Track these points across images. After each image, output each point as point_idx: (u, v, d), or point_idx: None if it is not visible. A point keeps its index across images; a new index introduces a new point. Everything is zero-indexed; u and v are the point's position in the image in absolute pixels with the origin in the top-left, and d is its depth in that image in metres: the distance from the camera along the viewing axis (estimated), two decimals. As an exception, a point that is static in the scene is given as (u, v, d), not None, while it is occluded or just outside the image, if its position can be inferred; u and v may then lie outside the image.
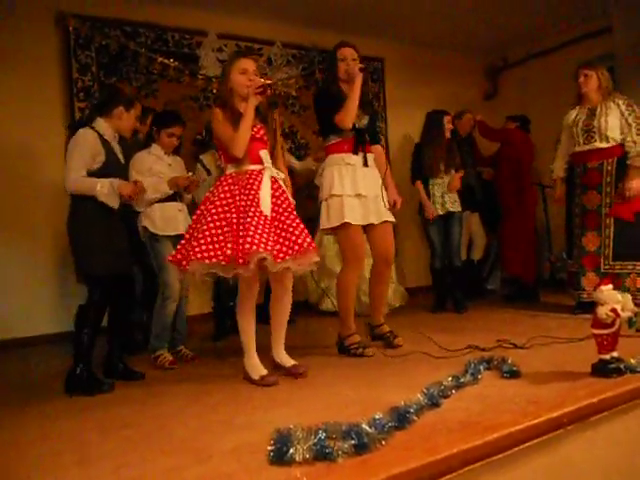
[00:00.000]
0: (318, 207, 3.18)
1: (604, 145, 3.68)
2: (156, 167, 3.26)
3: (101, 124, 2.82)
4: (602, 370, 2.13)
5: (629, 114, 3.63)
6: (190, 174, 3.35)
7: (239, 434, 1.81)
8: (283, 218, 2.55)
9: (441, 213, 4.37)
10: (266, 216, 2.47)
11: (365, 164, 3.09)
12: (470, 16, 5.41)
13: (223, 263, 2.40)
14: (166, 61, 4.79)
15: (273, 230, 2.48)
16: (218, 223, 2.46)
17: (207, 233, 2.43)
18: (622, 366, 2.12)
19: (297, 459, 1.50)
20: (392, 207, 3.19)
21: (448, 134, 4.42)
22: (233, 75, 2.63)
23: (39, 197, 4.27)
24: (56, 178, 4.17)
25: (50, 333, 4.16)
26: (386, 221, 3.12)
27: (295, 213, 2.62)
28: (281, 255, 2.45)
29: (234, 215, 2.47)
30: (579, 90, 3.81)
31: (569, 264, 3.96)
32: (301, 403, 2.16)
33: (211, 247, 2.41)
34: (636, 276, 3.60)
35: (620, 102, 3.66)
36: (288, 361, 2.67)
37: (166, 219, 3.24)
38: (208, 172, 3.99)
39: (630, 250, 3.63)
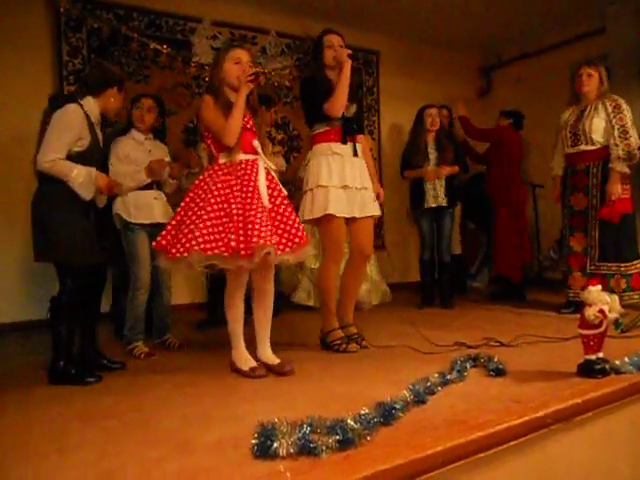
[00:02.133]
0: (297, 198, 3.14)
1: (589, 148, 3.72)
2: (134, 154, 3.16)
3: (90, 103, 2.65)
4: (588, 370, 2.14)
5: (614, 116, 3.64)
6: (167, 159, 3.25)
7: (223, 427, 1.79)
8: (281, 210, 2.53)
9: (433, 205, 4.39)
10: (265, 207, 2.46)
11: (355, 154, 3.03)
12: (465, 13, 5.40)
13: (225, 255, 2.37)
14: (159, 47, 4.72)
15: (272, 222, 2.47)
16: (217, 214, 2.41)
17: (208, 223, 2.38)
18: (607, 367, 2.14)
19: (281, 453, 1.48)
20: (376, 199, 3.13)
21: (432, 126, 4.42)
22: (227, 64, 2.58)
23: (21, 180, 4.18)
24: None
25: (24, 320, 4.09)
26: (369, 215, 3.07)
27: (290, 204, 2.61)
28: (281, 247, 2.45)
29: (233, 207, 2.42)
30: (578, 88, 3.78)
31: (562, 263, 3.99)
32: (286, 397, 2.14)
33: (212, 238, 2.36)
34: (620, 277, 3.65)
35: (608, 104, 3.66)
36: (273, 359, 2.58)
37: (140, 207, 3.15)
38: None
39: (615, 251, 3.67)
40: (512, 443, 1.64)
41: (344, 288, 3.14)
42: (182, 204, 2.52)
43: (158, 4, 4.74)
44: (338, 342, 2.97)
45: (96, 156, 2.68)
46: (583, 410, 1.85)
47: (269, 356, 2.60)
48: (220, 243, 2.36)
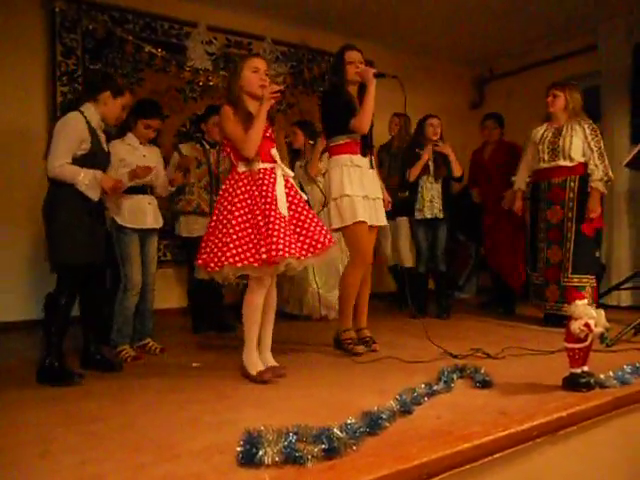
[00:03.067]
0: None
1: (567, 164, 3.81)
2: (129, 158, 3.16)
3: (89, 110, 2.76)
4: (573, 384, 2.16)
5: (592, 139, 3.77)
6: (153, 165, 3.21)
7: (208, 433, 1.79)
8: (303, 217, 2.64)
9: (428, 217, 4.42)
10: (285, 217, 2.54)
11: (372, 166, 3.18)
12: (459, 26, 5.47)
13: (255, 265, 2.46)
14: (153, 50, 4.72)
15: (292, 229, 2.56)
16: (243, 225, 2.51)
17: (234, 237, 2.48)
18: (592, 381, 2.15)
19: (266, 461, 1.48)
20: (385, 208, 3.30)
21: (434, 136, 4.42)
22: (245, 72, 2.64)
23: (16, 181, 4.17)
24: (33, 163, 4.08)
25: (21, 320, 4.06)
26: (378, 225, 3.22)
27: (310, 209, 2.72)
28: (303, 253, 2.56)
29: (259, 218, 2.51)
30: (547, 109, 3.94)
31: (534, 276, 4.03)
32: (273, 404, 2.14)
33: (240, 250, 2.46)
34: (590, 290, 3.74)
35: (585, 126, 3.80)
36: (271, 362, 2.65)
37: (134, 211, 3.16)
38: None
39: (588, 264, 3.78)
40: (498, 455, 1.64)
41: (357, 295, 3.23)
42: (213, 217, 2.63)
43: (154, 7, 4.75)
44: (349, 341, 3.09)
45: (101, 159, 2.79)
46: (568, 423, 1.86)
47: (268, 358, 2.68)
48: (249, 254, 2.47)
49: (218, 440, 1.70)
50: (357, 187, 3.08)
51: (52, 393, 2.40)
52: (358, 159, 3.12)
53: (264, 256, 2.44)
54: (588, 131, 3.77)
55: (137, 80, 4.69)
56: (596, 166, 3.73)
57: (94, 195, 2.71)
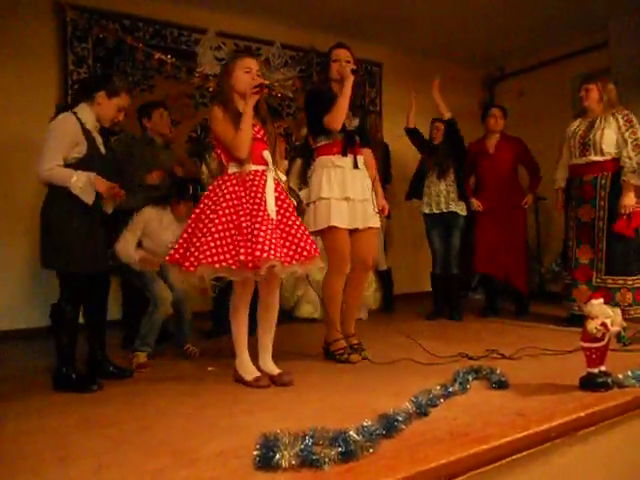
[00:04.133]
0: (301, 210, 3.16)
1: (599, 158, 3.70)
2: (162, 236, 3.21)
3: (84, 110, 2.66)
4: (590, 384, 2.13)
5: (626, 129, 3.64)
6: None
7: (225, 437, 1.79)
8: (290, 222, 2.54)
9: (436, 212, 4.44)
10: (272, 219, 2.46)
11: (355, 166, 3.05)
12: (468, 26, 5.44)
13: (233, 267, 2.38)
14: (163, 57, 4.76)
15: (279, 234, 2.48)
16: (225, 226, 2.43)
17: (216, 236, 2.40)
18: (610, 380, 2.13)
19: (283, 465, 1.48)
20: (380, 212, 3.17)
21: (435, 140, 4.54)
22: (237, 72, 2.59)
23: (25, 189, 4.21)
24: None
25: (29, 327, 4.09)
26: (371, 227, 3.10)
27: (297, 215, 2.62)
28: (288, 259, 2.46)
29: (242, 219, 2.44)
30: (581, 104, 3.87)
31: (564, 275, 3.97)
32: (288, 407, 2.14)
33: (220, 251, 2.38)
34: (627, 291, 3.62)
35: (619, 117, 3.68)
36: (274, 370, 2.59)
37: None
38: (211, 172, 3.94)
39: (622, 265, 3.65)
40: (515, 457, 1.63)
41: (346, 299, 3.13)
42: (193, 215, 2.55)
43: (163, 14, 4.78)
44: (341, 351, 2.99)
45: (96, 161, 2.67)
46: (587, 424, 1.84)
47: (270, 366, 2.61)
48: (228, 256, 2.38)
49: (234, 444, 1.70)
50: (337, 189, 2.97)
51: (68, 398, 2.41)
52: (339, 159, 3.02)
53: (241, 257, 2.35)
54: (622, 122, 3.66)
55: (148, 87, 4.73)
56: (629, 158, 3.58)
57: (88, 199, 2.59)
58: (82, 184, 2.55)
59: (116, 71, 4.55)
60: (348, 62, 3.03)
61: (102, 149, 2.75)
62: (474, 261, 4.56)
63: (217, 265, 2.36)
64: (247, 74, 2.58)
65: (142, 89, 4.69)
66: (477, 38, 5.74)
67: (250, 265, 2.36)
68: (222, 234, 2.41)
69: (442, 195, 4.43)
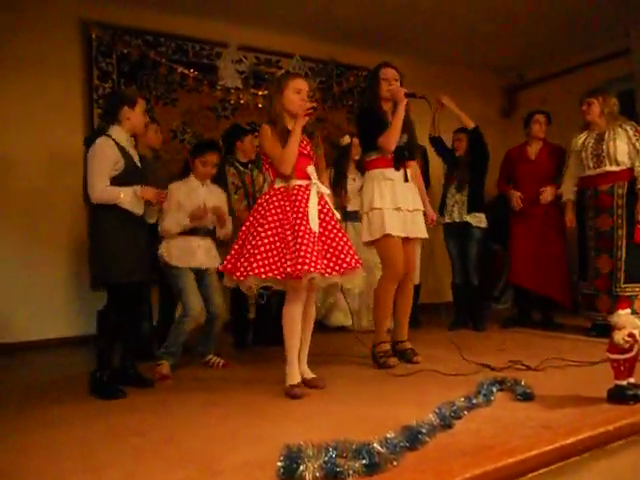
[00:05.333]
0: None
1: (614, 169, 3.72)
2: (186, 201, 3.24)
3: (116, 131, 2.83)
4: (619, 396, 2.09)
5: (636, 140, 3.68)
6: (222, 205, 3.35)
7: (248, 448, 1.79)
8: (332, 235, 2.65)
9: (449, 221, 4.46)
10: (314, 233, 2.56)
11: (406, 179, 3.17)
12: (488, 34, 5.43)
13: (279, 278, 2.51)
14: (185, 71, 4.84)
15: (320, 246, 2.59)
16: (272, 239, 2.56)
17: (262, 249, 2.54)
18: (639, 393, 2.08)
19: (307, 477, 1.47)
20: (428, 222, 3.32)
21: (457, 151, 4.55)
22: (288, 93, 2.69)
23: (55, 203, 4.32)
24: (74, 185, 4.24)
25: (62, 337, 4.19)
26: (418, 237, 3.22)
27: (341, 228, 2.72)
28: (329, 271, 2.57)
29: (288, 232, 2.56)
30: (584, 117, 3.90)
31: (583, 286, 3.92)
32: (311, 418, 2.14)
33: (267, 262, 2.52)
34: None
35: (628, 128, 3.74)
36: (308, 373, 2.70)
37: (183, 252, 3.22)
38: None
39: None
40: (542, 470, 1.60)
41: (398, 308, 3.28)
42: (243, 228, 2.69)
43: (185, 30, 4.87)
44: (382, 354, 3.09)
45: (135, 175, 2.84)
46: (615, 438, 1.80)
47: (305, 370, 2.71)
48: (274, 267, 2.52)
49: (258, 455, 1.70)
50: (389, 200, 3.10)
51: (94, 408, 2.45)
52: (390, 172, 3.15)
53: (289, 269, 2.47)
54: (631, 132, 3.71)
55: (171, 100, 4.81)
56: None
57: (138, 209, 2.81)
58: (130, 198, 2.76)
59: (140, 86, 4.64)
60: (396, 80, 3.18)
61: (138, 163, 2.91)
62: (510, 272, 4.49)
63: (263, 276, 2.51)
64: (297, 95, 2.68)
65: (165, 103, 4.77)
66: (497, 46, 5.73)
67: (294, 276, 2.47)
68: (267, 247, 2.54)
69: (457, 205, 4.43)
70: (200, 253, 3.27)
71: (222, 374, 3.10)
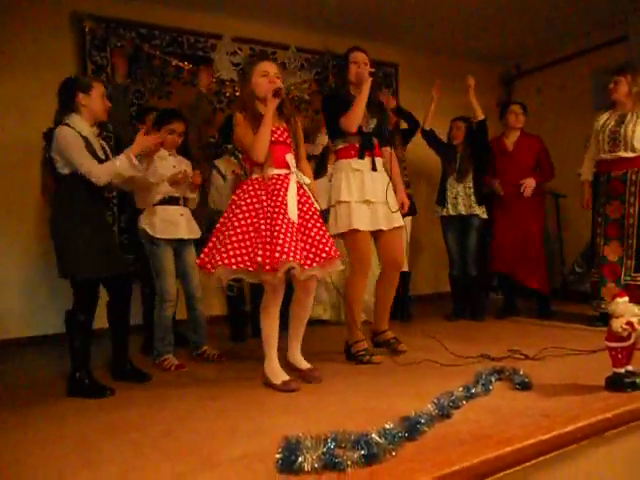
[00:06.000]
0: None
1: (629, 155, 3.63)
2: (160, 170, 3.21)
3: (74, 120, 2.67)
4: (617, 384, 2.09)
5: None
6: (186, 170, 3.28)
7: (247, 440, 1.79)
8: (310, 225, 2.55)
9: (453, 214, 4.42)
10: (293, 223, 2.48)
11: (373, 168, 3.06)
12: (484, 24, 5.39)
13: (250, 269, 2.41)
14: (180, 64, 4.80)
15: (299, 237, 2.49)
16: (245, 229, 2.46)
17: (234, 239, 2.43)
18: (637, 380, 2.09)
19: (306, 468, 1.48)
20: (400, 209, 3.15)
21: (454, 140, 4.51)
22: (255, 78, 2.63)
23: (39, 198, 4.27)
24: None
25: (50, 334, 4.15)
26: (396, 226, 3.09)
27: (319, 219, 2.63)
28: (308, 262, 2.47)
29: (262, 221, 2.46)
30: (610, 96, 3.78)
31: (591, 273, 3.90)
32: (309, 410, 2.14)
33: (238, 252, 2.41)
34: None
35: None
36: (304, 364, 2.67)
37: (166, 222, 3.19)
38: (224, 178, 3.98)
39: None
40: (541, 459, 1.61)
41: (379, 298, 3.21)
42: (220, 220, 2.59)
43: (179, 22, 4.83)
44: (362, 353, 2.99)
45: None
46: (614, 425, 1.81)
47: (299, 360, 2.69)
48: (246, 258, 2.40)
49: (256, 447, 1.70)
50: (356, 192, 2.99)
51: (91, 403, 2.44)
52: (357, 162, 3.03)
53: (259, 259, 2.37)
54: None
55: (165, 93, 4.77)
56: None
57: (139, 171, 2.75)
58: (127, 164, 2.66)
59: (134, 80, 4.61)
60: (366, 64, 3.06)
61: (101, 154, 2.76)
62: (491, 260, 4.50)
63: (234, 267, 2.39)
64: (264, 78, 2.61)
65: (159, 96, 4.74)
66: (493, 36, 5.69)
67: (268, 267, 2.38)
68: (240, 237, 2.44)
69: (460, 197, 4.39)
70: (183, 223, 3.25)
71: (219, 368, 3.09)
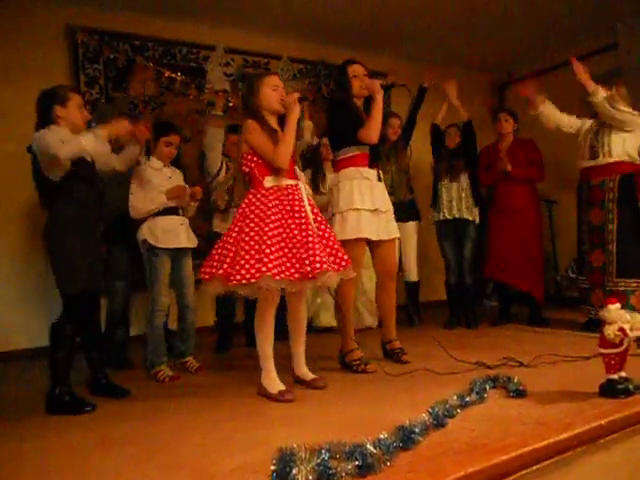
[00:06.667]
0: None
1: (608, 160, 3.68)
2: (155, 180, 3.23)
3: (54, 130, 2.60)
4: (610, 390, 2.10)
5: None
6: (185, 186, 3.33)
7: (241, 452, 1.78)
8: (327, 235, 2.63)
9: (449, 217, 4.42)
10: (316, 232, 2.55)
11: (379, 179, 3.16)
12: (475, 33, 5.45)
13: (292, 279, 2.43)
14: (173, 75, 4.81)
15: (323, 244, 2.57)
16: (279, 238, 2.47)
17: (273, 249, 2.41)
18: (631, 386, 2.09)
19: (300, 480, 1.47)
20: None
21: (449, 144, 4.54)
22: (265, 90, 2.65)
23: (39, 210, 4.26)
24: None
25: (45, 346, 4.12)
26: (392, 238, 3.18)
27: (331, 227, 2.74)
28: (335, 267, 2.56)
29: (295, 232, 2.50)
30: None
31: (580, 280, 3.93)
32: (303, 421, 2.13)
33: (280, 262, 2.41)
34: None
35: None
36: (308, 375, 2.70)
37: (167, 232, 3.20)
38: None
39: (634, 267, 3.60)
40: (536, 467, 1.60)
41: (381, 309, 3.30)
42: (232, 232, 2.53)
43: (172, 33, 4.85)
44: (357, 362, 3.00)
45: (85, 167, 2.67)
46: (608, 431, 1.81)
47: (304, 372, 2.72)
48: (289, 265, 2.44)
49: (251, 459, 1.70)
50: (368, 201, 3.05)
51: (84, 416, 2.43)
52: (367, 171, 3.10)
53: (308, 269, 2.41)
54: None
55: (158, 105, 4.79)
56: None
57: (107, 148, 2.70)
58: (92, 143, 2.56)
59: (127, 91, 4.61)
60: (366, 75, 3.13)
61: (88, 157, 2.70)
62: (485, 267, 4.48)
63: (278, 277, 2.38)
64: (275, 92, 2.66)
65: (153, 107, 4.75)
66: (485, 44, 5.74)
67: (310, 277, 2.43)
68: (276, 246, 2.44)
69: (454, 200, 4.41)
70: (182, 232, 3.27)
71: (212, 379, 3.08)
